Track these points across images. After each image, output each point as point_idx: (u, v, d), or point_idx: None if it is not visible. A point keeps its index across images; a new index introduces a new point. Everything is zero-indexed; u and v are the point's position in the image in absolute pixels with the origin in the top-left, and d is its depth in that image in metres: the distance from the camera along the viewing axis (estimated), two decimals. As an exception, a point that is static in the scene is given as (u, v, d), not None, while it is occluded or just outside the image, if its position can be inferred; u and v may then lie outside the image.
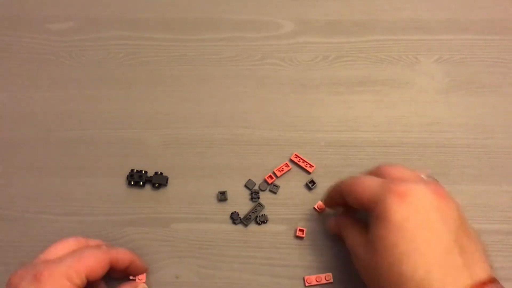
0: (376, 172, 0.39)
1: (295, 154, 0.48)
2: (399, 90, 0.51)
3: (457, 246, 0.33)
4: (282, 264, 0.45)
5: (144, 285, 0.42)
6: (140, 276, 0.43)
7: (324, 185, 0.47)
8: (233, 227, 0.46)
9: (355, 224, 0.40)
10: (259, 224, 0.46)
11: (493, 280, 0.33)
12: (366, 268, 0.36)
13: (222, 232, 0.46)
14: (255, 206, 0.46)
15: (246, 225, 0.46)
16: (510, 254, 0.45)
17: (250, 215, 0.46)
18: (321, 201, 0.46)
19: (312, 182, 0.47)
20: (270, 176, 0.48)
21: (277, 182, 0.48)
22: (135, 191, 0.48)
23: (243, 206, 0.47)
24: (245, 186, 0.48)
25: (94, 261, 0.37)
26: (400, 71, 0.52)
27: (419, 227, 0.33)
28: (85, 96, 0.52)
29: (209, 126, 0.50)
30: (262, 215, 0.46)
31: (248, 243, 0.46)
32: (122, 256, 0.40)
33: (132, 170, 0.48)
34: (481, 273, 0.33)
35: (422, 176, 0.39)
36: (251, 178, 0.48)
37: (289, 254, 0.45)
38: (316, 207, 0.47)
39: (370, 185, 0.36)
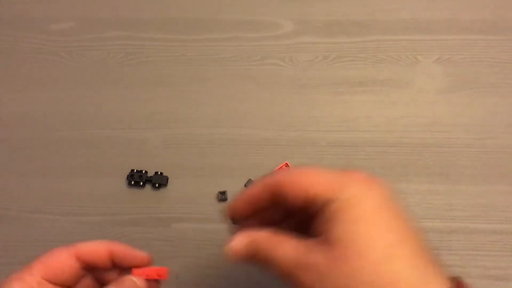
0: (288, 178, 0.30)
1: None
2: (399, 90, 0.51)
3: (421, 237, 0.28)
4: (282, 264, 0.45)
5: (131, 278, 0.33)
6: (160, 271, 0.35)
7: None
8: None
9: (285, 236, 0.29)
10: (259, 224, 0.46)
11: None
12: (328, 280, 0.26)
13: (222, 232, 0.46)
14: (255, 206, 0.46)
15: (246, 225, 0.46)
16: (510, 254, 0.45)
17: (250, 215, 0.46)
18: (228, 210, 0.32)
19: (312, 182, 0.47)
20: (270, 176, 0.48)
21: (277, 182, 0.48)
22: (135, 191, 0.48)
23: (243, 206, 0.47)
24: (245, 186, 0.48)
25: (53, 264, 0.33)
26: (400, 71, 0.52)
27: (396, 215, 0.27)
28: (85, 96, 0.52)
29: (209, 126, 0.50)
30: (262, 215, 0.46)
31: (248, 243, 0.46)
32: (93, 248, 0.33)
33: (132, 170, 0.48)
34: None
35: None
36: (251, 178, 0.48)
37: (289, 254, 0.45)
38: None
39: (323, 173, 0.29)
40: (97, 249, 0.34)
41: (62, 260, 0.33)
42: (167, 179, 0.48)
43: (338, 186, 0.27)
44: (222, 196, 0.47)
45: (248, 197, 0.31)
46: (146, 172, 0.48)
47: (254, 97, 0.51)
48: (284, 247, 0.28)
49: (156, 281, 0.36)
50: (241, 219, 0.32)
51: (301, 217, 0.30)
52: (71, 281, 0.34)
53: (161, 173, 0.48)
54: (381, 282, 0.25)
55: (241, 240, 0.30)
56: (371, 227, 0.26)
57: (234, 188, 0.47)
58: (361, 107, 0.51)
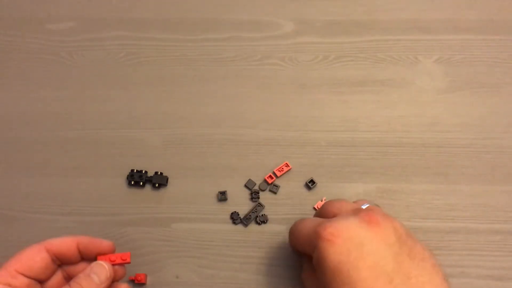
0: (320, 211, 0.40)
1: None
2: (399, 90, 0.51)
3: (400, 273, 0.31)
4: (282, 264, 0.45)
5: (98, 262, 0.38)
6: (123, 256, 0.39)
7: (324, 185, 0.47)
8: (233, 227, 0.46)
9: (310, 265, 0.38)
10: (259, 224, 0.46)
11: None
12: None
13: (222, 232, 0.46)
14: (255, 206, 0.46)
15: (246, 225, 0.46)
16: (510, 254, 0.45)
17: (250, 215, 0.46)
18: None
19: (312, 181, 0.47)
20: (270, 176, 0.48)
21: (277, 182, 0.48)
22: (135, 191, 0.48)
23: (243, 206, 0.47)
24: (245, 186, 0.48)
25: (25, 257, 0.36)
26: (400, 71, 0.52)
27: (355, 267, 0.32)
28: (85, 96, 0.52)
29: (209, 126, 0.50)
30: (262, 215, 0.46)
31: (248, 243, 0.46)
32: (61, 241, 0.38)
33: (132, 170, 0.48)
34: None
35: (363, 206, 0.37)
36: (251, 178, 0.48)
37: (289, 254, 0.45)
38: (316, 207, 0.47)
39: (305, 229, 0.36)
40: (65, 241, 0.38)
41: (34, 253, 0.36)
42: (167, 179, 0.48)
43: (312, 244, 0.35)
44: (222, 196, 0.47)
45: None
46: (146, 172, 0.48)
47: (254, 97, 0.51)
48: (308, 274, 0.38)
49: (121, 265, 0.40)
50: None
51: None
52: (43, 274, 0.37)
53: (161, 173, 0.48)
54: None
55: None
56: (333, 282, 0.32)
57: (234, 188, 0.47)
58: (361, 107, 0.51)
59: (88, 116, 0.51)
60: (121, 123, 0.50)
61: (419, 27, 0.54)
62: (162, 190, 0.48)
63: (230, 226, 0.46)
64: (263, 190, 0.47)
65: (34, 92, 0.52)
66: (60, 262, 0.38)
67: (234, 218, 0.46)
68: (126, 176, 0.48)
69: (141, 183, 0.47)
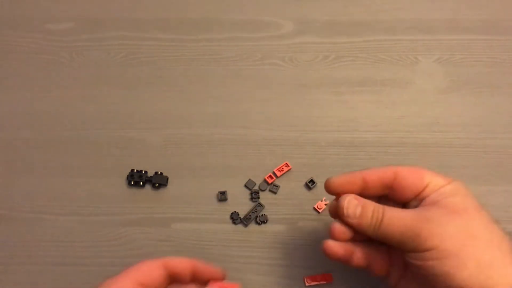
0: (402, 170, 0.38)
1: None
2: (399, 90, 0.51)
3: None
4: (282, 264, 0.45)
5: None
6: (233, 287, 0.38)
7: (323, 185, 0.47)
8: (233, 227, 0.46)
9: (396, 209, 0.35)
10: (259, 224, 0.46)
11: None
12: (446, 226, 0.33)
13: (222, 232, 0.46)
14: (255, 206, 0.46)
15: (246, 225, 0.46)
16: (510, 254, 0.45)
17: (250, 215, 0.46)
18: (328, 204, 0.41)
19: (312, 181, 0.47)
20: (270, 176, 0.48)
21: (277, 182, 0.48)
22: (135, 191, 0.48)
23: (243, 206, 0.47)
24: (245, 186, 0.48)
25: (146, 270, 0.36)
26: (400, 71, 0.52)
27: (491, 221, 0.33)
28: (85, 96, 0.52)
29: (209, 126, 0.50)
30: (262, 215, 0.46)
31: (248, 243, 0.46)
32: (179, 261, 0.38)
33: (132, 170, 0.48)
34: None
35: None
36: (251, 178, 0.48)
37: (289, 254, 0.45)
38: (316, 207, 0.47)
39: (433, 173, 0.36)
40: (183, 261, 0.38)
41: (153, 267, 0.37)
42: (167, 179, 0.48)
43: (447, 180, 0.35)
44: (222, 196, 0.47)
45: (367, 176, 0.37)
46: (146, 172, 0.48)
47: (254, 97, 0.51)
48: (401, 210, 0.35)
49: None
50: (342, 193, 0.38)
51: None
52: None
53: (161, 173, 0.48)
54: (496, 233, 0.33)
55: (357, 204, 0.36)
56: (478, 206, 0.33)
57: (234, 188, 0.47)
58: (361, 107, 0.51)
59: (88, 116, 0.51)
60: (121, 123, 0.50)
61: (419, 27, 0.54)
62: (162, 190, 0.48)
63: (230, 226, 0.46)
64: (263, 190, 0.47)
65: (34, 92, 0.52)
66: (172, 280, 0.38)
67: (234, 218, 0.46)
68: (126, 176, 0.48)
69: (141, 183, 0.47)
